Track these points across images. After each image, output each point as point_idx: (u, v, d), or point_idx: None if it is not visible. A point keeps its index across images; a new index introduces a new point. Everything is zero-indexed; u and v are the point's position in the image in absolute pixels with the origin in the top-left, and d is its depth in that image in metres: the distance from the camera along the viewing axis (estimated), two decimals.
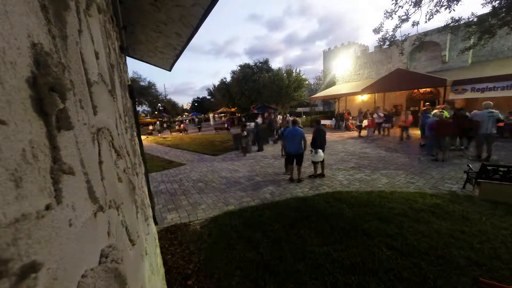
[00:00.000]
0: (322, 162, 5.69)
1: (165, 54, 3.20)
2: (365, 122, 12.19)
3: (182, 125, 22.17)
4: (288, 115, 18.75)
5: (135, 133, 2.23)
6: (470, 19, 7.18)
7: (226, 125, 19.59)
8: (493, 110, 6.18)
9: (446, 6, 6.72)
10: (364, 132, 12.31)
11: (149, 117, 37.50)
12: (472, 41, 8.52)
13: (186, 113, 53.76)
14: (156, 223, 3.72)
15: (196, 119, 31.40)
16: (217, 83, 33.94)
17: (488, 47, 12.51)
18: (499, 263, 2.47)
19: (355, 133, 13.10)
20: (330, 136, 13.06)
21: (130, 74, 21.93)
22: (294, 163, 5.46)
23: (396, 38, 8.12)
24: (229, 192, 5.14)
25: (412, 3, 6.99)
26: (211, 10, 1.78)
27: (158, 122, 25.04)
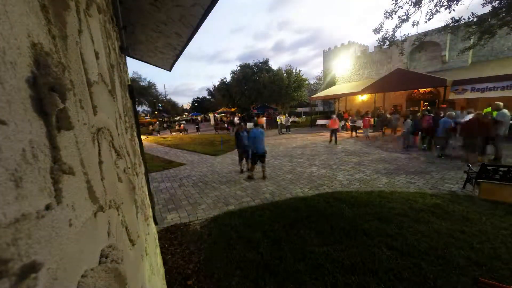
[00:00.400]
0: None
1: (165, 54, 3.20)
2: (359, 123, 12.28)
3: (182, 125, 22.19)
4: (287, 114, 18.74)
5: (135, 133, 2.23)
6: (470, 19, 7.18)
7: (226, 125, 19.66)
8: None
9: (446, 6, 6.72)
10: (360, 132, 12.42)
11: (149, 117, 37.47)
12: (472, 41, 8.52)
13: (186, 113, 53.71)
14: (156, 223, 3.72)
15: (198, 119, 31.34)
16: (217, 83, 33.90)
17: (488, 47, 12.51)
18: (499, 263, 2.48)
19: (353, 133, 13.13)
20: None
21: (130, 74, 21.92)
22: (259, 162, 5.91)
23: (396, 38, 8.11)
24: (229, 192, 5.14)
25: (412, 3, 6.99)
26: (211, 10, 1.78)
27: (157, 122, 25.11)
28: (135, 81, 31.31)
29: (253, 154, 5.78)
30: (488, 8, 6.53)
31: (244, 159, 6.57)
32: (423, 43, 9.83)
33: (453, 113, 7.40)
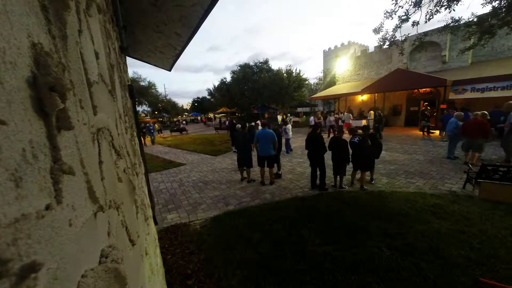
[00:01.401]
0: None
1: (165, 54, 3.20)
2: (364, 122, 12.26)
3: (182, 125, 22.19)
4: (288, 114, 18.70)
5: (135, 133, 2.23)
6: (470, 19, 7.18)
7: (226, 125, 19.63)
8: None
9: (446, 6, 6.71)
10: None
11: (149, 117, 37.49)
12: (472, 41, 8.52)
13: (186, 113, 53.70)
14: (156, 223, 3.71)
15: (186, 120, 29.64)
16: (217, 83, 33.80)
17: (488, 47, 12.50)
18: (499, 263, 2.48)
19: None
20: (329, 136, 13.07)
21: (130, 74, 21.93)
22: (265, 165, 5.43)
23: (396, 38, 8.11)
24: (229, 192, 5.14)
25: (412, 3, 6.99)
26: (211, 10, 1.78)
27: (157, 123, 24.98)
28: (135, 81, 31.29)
29: (258, 156, 5.47)
30: (488, 8, 6.54)
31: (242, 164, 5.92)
32: (423, 43, 9.83)
33: (462, 113, 7.04)
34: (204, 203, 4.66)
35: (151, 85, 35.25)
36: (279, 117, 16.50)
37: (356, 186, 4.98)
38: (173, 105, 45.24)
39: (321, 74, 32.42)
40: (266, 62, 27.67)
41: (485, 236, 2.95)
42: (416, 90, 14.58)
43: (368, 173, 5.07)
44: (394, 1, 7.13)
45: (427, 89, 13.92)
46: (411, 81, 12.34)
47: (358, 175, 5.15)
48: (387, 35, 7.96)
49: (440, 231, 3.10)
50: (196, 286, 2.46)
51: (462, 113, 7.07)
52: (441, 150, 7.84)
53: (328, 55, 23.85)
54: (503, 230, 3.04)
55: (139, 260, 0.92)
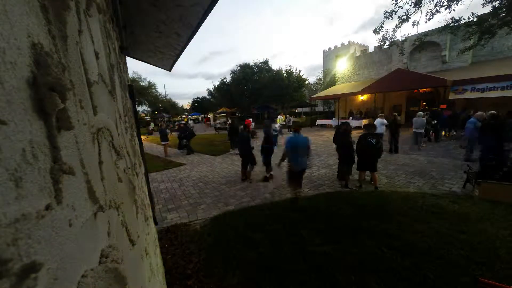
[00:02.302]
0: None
1: (165, 54, 3.20)
2: (364, 122, 12.25)
3: (182, 125, 22.12)
4: (288, 115, 18.65)
5: (135, 133, 2.23)
6: (470, 19, 7.19)
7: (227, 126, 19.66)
8: None
9: (446, 6, 6.73)
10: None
11: (149, 117, 37.43)
12: (472, 41, 8.52)
13: (186, 113, 53.67)
14: (156, 223, 3.71)
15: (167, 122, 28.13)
16: (216, 83, 33.77)
17: (488, 47, 12.52)
18: (499, 263, 2.48)
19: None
20: (330, 136, 13.06)
21: (130, 74, 21.89)
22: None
23: (396, 38, 8.13)
24: (229, 192, 5.14)
25: (412, 3, 7.00)
26: (211, 10, 1.78)
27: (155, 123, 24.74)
28: (135, 81, 31.26)
29: (290, 172, 4.16)
30: (488, 8, 6.55)
31: (250, 164, 5.86)
32: (423, 43, 9.83)
33: (484, 113, 6.30)
34: (204, 203, 4.66)
35: (151, 85, 35.21)
36: (280, 117, 16.39)
37: (360, 186, 4.98)
38: (173, 105, 45.21)
39: (321, 74, 32.37)
40: (266, 62, 27.65)
41: (485, 236, 2.95)
42: (416, 90, 14.59)
43: (368, 172, 5.08)
44: (394, 1, 7.14)
45: (427, 89, 13.92)
46: (411, 81, 12.36)
47: (360, 176, 5.15)
48: (387, 35, 7.97)
49: (440, 231, 3.10)
50: (196, 286, 2.46)
51: (484, 113, 6.35)
52: (440, 150, 7.85)
53: (328, 55, 23.83)
54: (503, 230, 3.04)
55: (139, 260, 0.92)
